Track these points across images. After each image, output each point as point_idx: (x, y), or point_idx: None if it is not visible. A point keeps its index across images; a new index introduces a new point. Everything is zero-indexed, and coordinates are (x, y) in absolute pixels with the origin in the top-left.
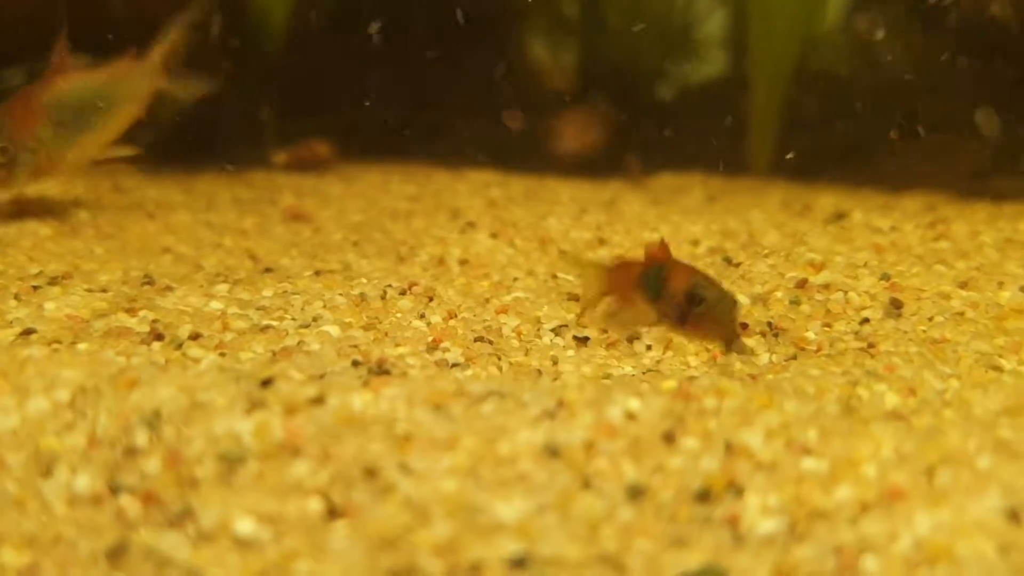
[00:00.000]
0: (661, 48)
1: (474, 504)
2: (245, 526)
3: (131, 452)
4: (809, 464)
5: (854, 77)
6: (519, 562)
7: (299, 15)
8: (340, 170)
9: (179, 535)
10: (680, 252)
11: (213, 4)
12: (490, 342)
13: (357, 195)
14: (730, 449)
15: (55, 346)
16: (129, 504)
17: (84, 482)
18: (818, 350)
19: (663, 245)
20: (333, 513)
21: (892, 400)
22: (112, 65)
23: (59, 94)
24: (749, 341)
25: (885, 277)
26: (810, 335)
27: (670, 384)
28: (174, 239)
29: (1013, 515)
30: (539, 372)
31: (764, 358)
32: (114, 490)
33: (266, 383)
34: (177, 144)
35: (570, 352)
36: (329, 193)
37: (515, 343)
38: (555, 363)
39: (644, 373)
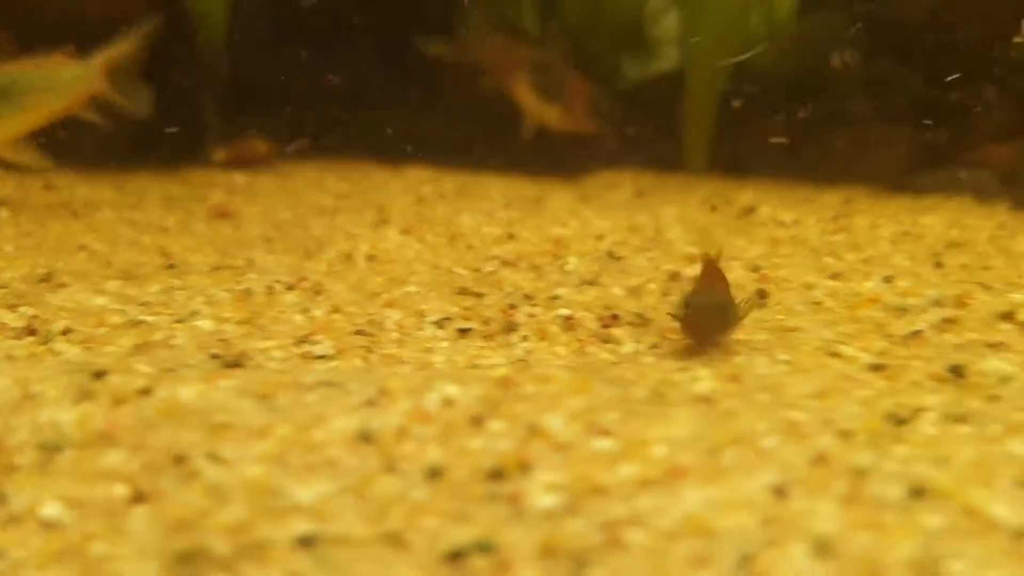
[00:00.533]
0: (615, 44)
1: (274, 488)
2: (51, 510)
3: None
4: (602, 444)
5: (794, 75)
6: (306, 540)
7: (239, 14)
8: (279, 167)
9: None
10: (584, 247)
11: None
12: (369, 335)
13: (289, 192)
14: (532, 431)
15: None
16: None
17: None
18: (682, 339)
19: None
20: (138, 498)
21: (707, 385)
22: (36, 59)
23: None
24: (618, 331)
25: (755, 268)
26: (676, 324)
27: (501, 372)
28: (93, 237)
29: (780, 492)
30: (402, 362)
31: (629, 347)
32: None
33: (99, 375)
34: (117, 142)
35: (445, 344)
36: (261, 190)
37: (394, 335)
38: (428, 353)
39: (511, 363)
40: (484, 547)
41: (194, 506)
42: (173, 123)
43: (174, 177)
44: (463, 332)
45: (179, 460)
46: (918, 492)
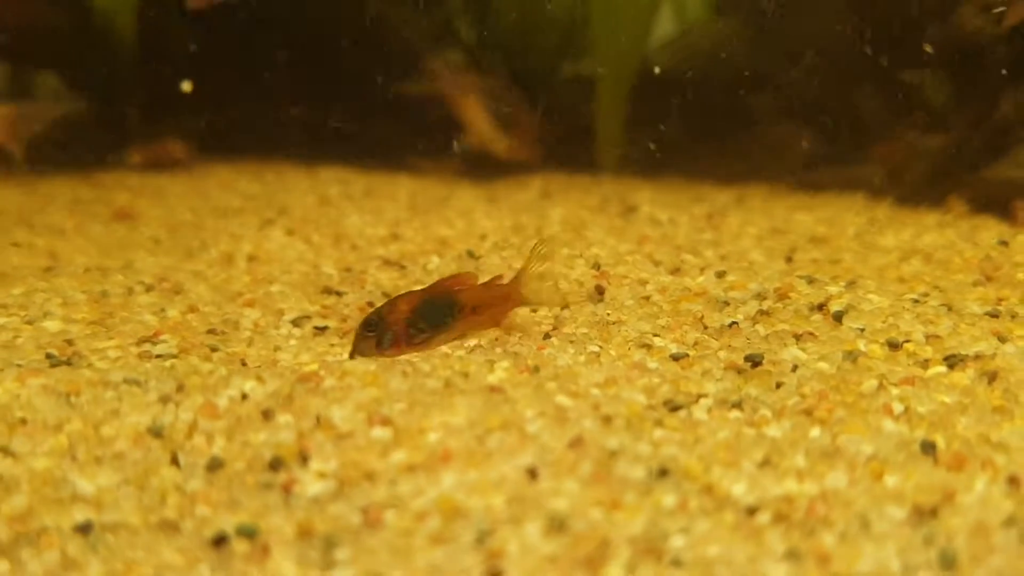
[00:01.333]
0: (546, 47)
1: (60, 479)
2: None
3: None
4: (379, 433)
5: (703, 76)
6: (84, 527)
7: (147, 15)
8: (195, 169)
9: None
10: (468, 244)
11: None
12: (221, 334)
13: (199, 194)
14: (317, 422)
15: None
16: None
17: None
18: (513, 333)
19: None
20: None
21: (500, 376)
22: None
23: None
24: None
25: (596, 266)
26: (516, 320)
27: (310, 368)
28: None
29: (533, 472)
30: (242, 362)
31: (472, 342)
32: None
33: None
34: (36, 147)
35: (293, 342)
36: (169, 192)
37: (246, 334)
38: (275, 351)
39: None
40: (248, 532)
41: None
42: (91, 126)
43: (86, 180)
44: (320, 330)
45: None
46: (662, 472)
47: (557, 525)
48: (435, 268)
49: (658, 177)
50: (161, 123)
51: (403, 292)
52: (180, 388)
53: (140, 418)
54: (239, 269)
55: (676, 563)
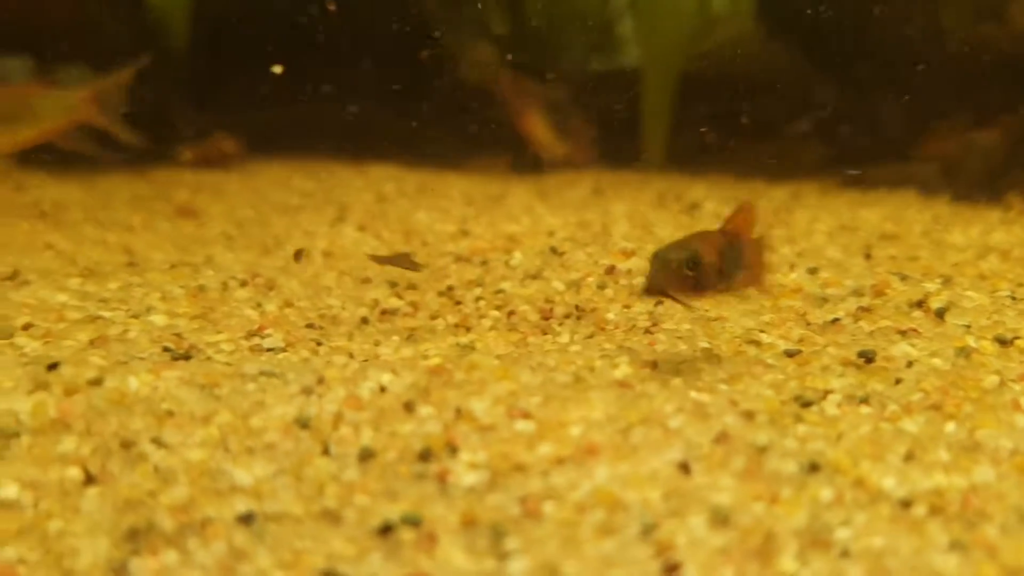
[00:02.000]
0: (581, 42)
1: (216, 470)
2: (10, 491)
3: None
4: (522, 426)
5: (746, 76)
6: (246, 518)
7: (202, 13)
8: (246, 166)
9: None
10: (536, 243)
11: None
12: (320, 328)
13: (254, 191)
14: (458, 414)
15: None
16: None
17: None
18: (616, 329)
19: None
20: (89, 480)
21: (624, 371)
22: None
23: None
24: (557, 325)
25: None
26: (610, 316)
27: (434, 361)
28: (59, 236)
29: (684, 467)
30: (350, 355)
31: (565, 337)
32: None
33: (52, 367)
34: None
35: (395, 337)
36: (226, 189)
37: (344, 328)
38: (376, 346)
39: (461, 347)
40: (413, 520)
41: (142, 487)
42: (141, 124)
43: (142, 177)
44: (411, 331)
45: (127, 445)
46: (813, 467)
47: (721, 519)
48: (518, 264)
49: (705, 173)
50: (212, 120)
51: (702, 231)
52: (321, 380)
53: (286, 409)
54: (317, 265)
55: (845, 554)
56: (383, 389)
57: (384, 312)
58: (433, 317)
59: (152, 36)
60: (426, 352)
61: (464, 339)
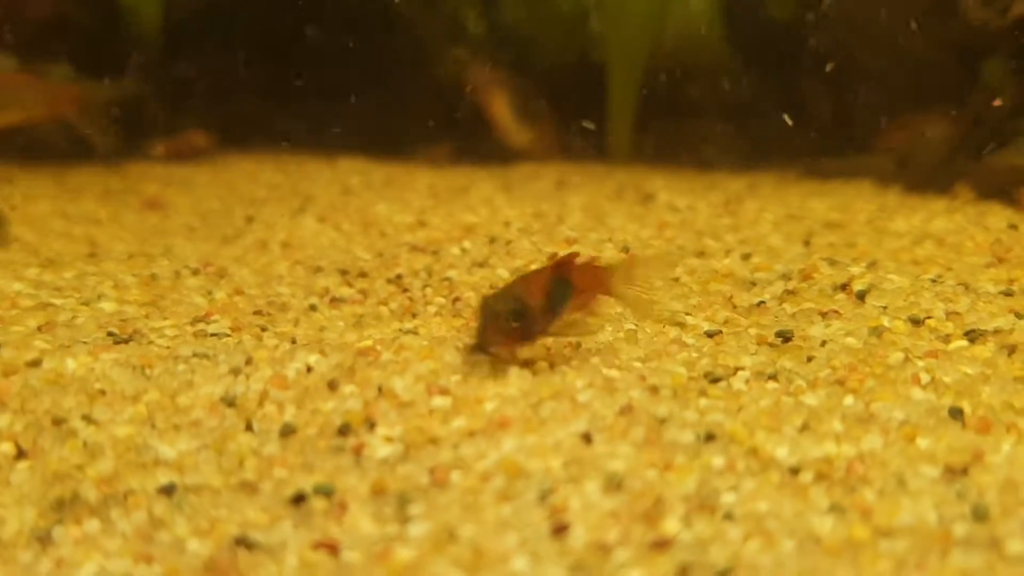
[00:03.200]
0: (556, 36)
1: (142, 445)
2: None
3: None
4: (439, 402)
5: (713, 67)
6: (167, 489)
7: (173, 7)
8: (217, 159)
9: None
10: (492, 231)
11: None
12: (268, 314)
13: (223, 184)
14: (380, 392)
15: None
16: None
17: None
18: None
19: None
20: (20, 455)
21: (540, 351)
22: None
23: None
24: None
25: (625, 249)
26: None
27: (365, 343)
28: (25, 228)
29: (587, 437)
30: (292, 340)
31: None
32: None
33: None
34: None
35: (340, 323)
36: (195, 182)
37: (292, 315)
38: (321, 331)
39: (404, 332)
40: (325, 491)
41: (70, 461)
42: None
43: (114, 171)
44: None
45: (58, 422)
46: (710, 437)
47: (615, 484)
48: (467, 250)
49: (669, 165)
50: (183, 115)
51: (527, 274)
52: (249, 361)
53: (214, 388)
54: (274, 255)
55: (729, 517)
56: (309, 369)
57: (333, 300)
58: (381, 303)
59: (124, 31)
60: (369, 336)
61: (409, 324)
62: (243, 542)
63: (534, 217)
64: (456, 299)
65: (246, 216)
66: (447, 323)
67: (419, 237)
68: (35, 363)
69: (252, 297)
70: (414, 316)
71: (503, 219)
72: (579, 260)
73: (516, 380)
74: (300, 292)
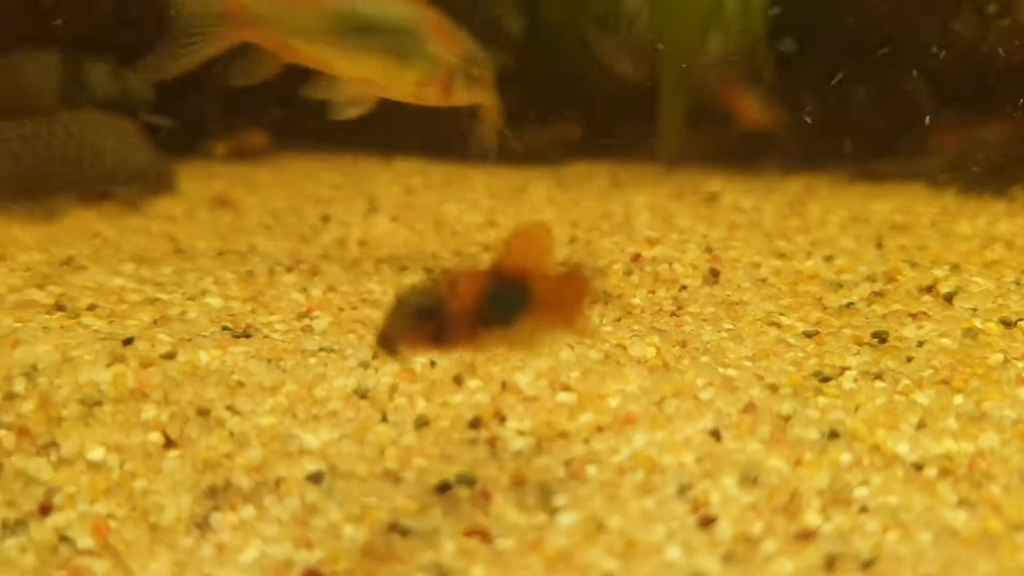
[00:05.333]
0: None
1: (286, 435)
2: (97, 454)
3: (10, 396)
4: (563, 397)
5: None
6: (315, 477)
7: None
8: (275, 159)
9: (43, 460)
10: (568, 232)
11: None
12: (362, 310)
13: (285, 183)
14: (504, 387)
15: None
16: (6, 437)
17: None
18: (642, 312)
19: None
20: (169, 444)
21: (652, 351)
22: None
23: None
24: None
25: (708, 250)
26: (636, 300)
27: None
28: (104, 225)
29: (715, 434)
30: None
31: (594, 320)
32: None
33: (127, 342)
34: None
35: None
36: (259, 181)
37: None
38: None
39: None
40: (467, 480)
41: (219, 450)
42: (173, 117)
43: (179, 168)
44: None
45: (203, 412)
46: (833, 434)
47: (751, 479)
48: None
49: (720, 167)
50: (240, 115)
51: (464, 270)
52: (376, 355)
53: (346, 381)
54: (354, 253)
55: (864, 510)
56: (433, 364)
57: None
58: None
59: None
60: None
61: None
62: (396, 528)
63: (602, 217)
64: None
65: (320, 215)
66: None
67: (490, 236)
68: (170, 355)
69: (346, 294)
70: None
71: (571, 218)
72: (549, 257)
73: (635, 377)
74: (390, 289)
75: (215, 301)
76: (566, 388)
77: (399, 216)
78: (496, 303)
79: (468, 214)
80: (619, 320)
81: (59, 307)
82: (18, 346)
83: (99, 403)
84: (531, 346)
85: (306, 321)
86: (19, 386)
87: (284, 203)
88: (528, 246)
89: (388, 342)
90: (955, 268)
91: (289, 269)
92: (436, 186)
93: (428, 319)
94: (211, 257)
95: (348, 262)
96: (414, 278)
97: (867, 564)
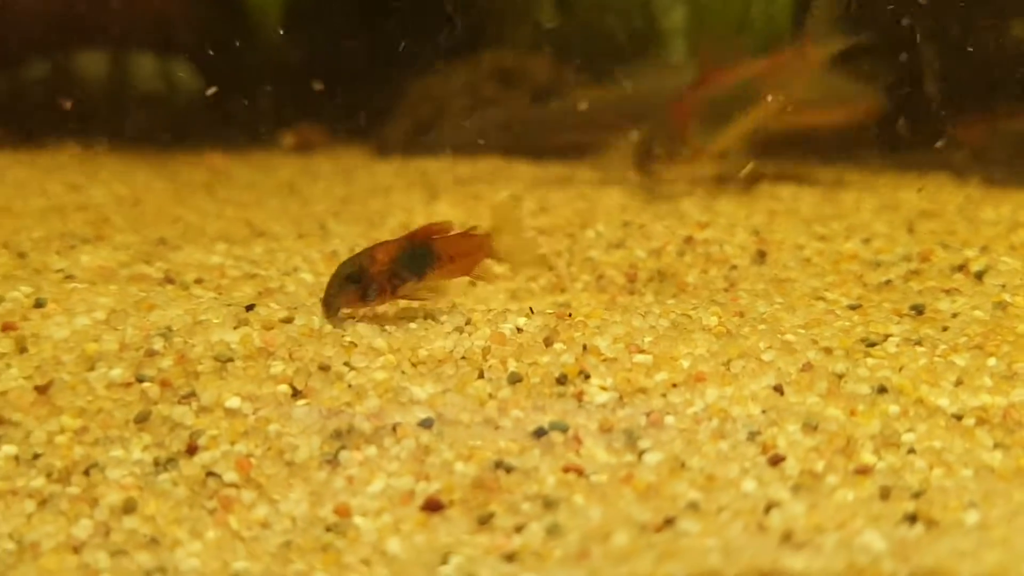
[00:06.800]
0: (626, 38)
1: (397, 387)
2: (233, 402)
3: (151, 354)
4: (640, 359)
5: None
6: (426, 423)
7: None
8: (330, 150)
9: (186, 408)
10: (622, 217)
11: None
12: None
13: (343, 172)
14: (586, 349)
15: (91, 284)
16: (150, 388)
17: (118, 373)
18: (695, 289)
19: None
20: (296, 394)
21: (715, 320)
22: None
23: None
24: (642, 286)
25: (755, 232)
26: (689, 279)
27: (552, 310)
28: (184, 210)
29: (778, 389)
30: (473, 309)
31: (649, 297)
32: (139, 379)
33: (249, 308)
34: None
35: (501, 295)
36: (319, 171)
37: (460, 289)
38: (491, 302)
39: (559, 305)
40: (560, 427)
41: (341, 399)
42: (239, 107)
43: (243, 159)
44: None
45: (324, 368)
46: (882, 389)
47: (812, 426)
48: (601, 233)
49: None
50: (300, 109)
51: (379, 242)
52: (468, 322)
53: (444, 343)
54: None
55: (912, 451)
56: (519, 329)
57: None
58: (530, 280)
59: (247, 27)
60: (532, 307)
61: (561, 299)
62: (501, 465)
63: (646, 203)
64: (600, 276)
65: (384, 202)
66: (595, 298)
67: (543, 221)
68: (288, 320)
69: None
70: (563, 291)
71: (616, 204)
72: (452, 231)
73: (703, 342)
74: None
75: (308, 276)
76: (641, 351)
77: (458, 203)
78: (409, 262)
79: (523, 202)
80: (675, 296)
81: (169, 280)
82: (153, 310)
83: (231, 359)
84: (441, 290)
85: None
86: (158, 344)
87: (345, 191)
88: (433, 224)
89: (328, 306)
90: (984, 250)
91: None
92: (484, 177)
93: (355, 283)
94: (293, 239)
95: None
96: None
97: (917, 495)
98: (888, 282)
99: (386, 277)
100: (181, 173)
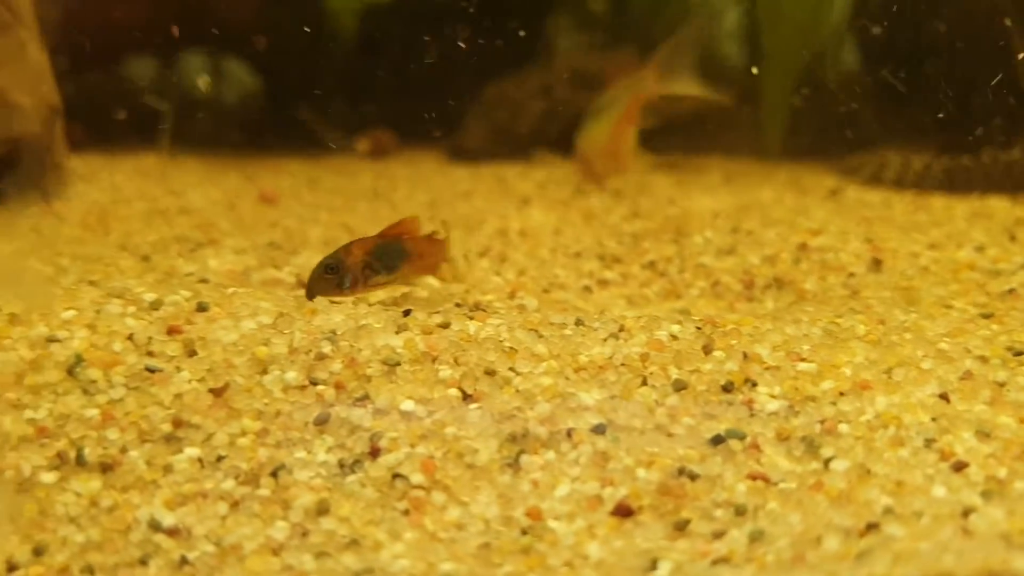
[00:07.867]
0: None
1: (564, 393)
2: (407, 405)
3: (320, 357)
4: (803, 367)
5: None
6: (599, 428)
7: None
8: (403, 156)
9: (363, 410)
10: (702, 223)
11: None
12: (557, 291)
13: (420, 178)
14: (747, 357)
15: (232, 290)
16: (325, 391)
17: (292, 376)
18: (814, 296)
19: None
20: (467, 398)
21: (863, 328)
22: None
23: None
24: (759, 293)
25: (868, 240)
26: (808, 286)
27: (699, 317)
28: (278, 215)
29: (944, 397)
30: (601, 312)
31: (769, 304)
32: (313, 382)
33: (406, 313)
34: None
35: (621, 301)
36: (397, 176)
37: (573, 293)
38: (610, 308)
39: (678, 312)
40: (737, 435)
41: (511, 404)
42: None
43: (319, 165)
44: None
45: (490, 372)
46: None
47: (985, 433)
48: (709, 239)
49: (821, 162)
50: (372, 115)
51: (357, 238)
52: (622, 328)
53: (602, 349)
54: (515, 242)
55: None
56: (674, 337)
57: (600, 281)
58: (643, 286)
59: (325, 35)
60: (653, 314)
61: (677, 305)
62: (684, 472)
63: (739, 209)
64: (716, 283)
65: (472, 208)
66: (712, 304)
67: (636, 227)
68: (444, 325)
69: (536, 278)
70: (678, 298)
71: (709, 210)
72: (419, 232)
73: (861, 351)
74: (572, 275)
75: (433, 281)
76: (803, 359)
77: (550, 208)
78: (383, 256)
79: (613, 208)
80: (795, 303)
81: (301, 284)
82: (316, 315)
83: (398, 363)
84: (411, 283)
85: (517, 300)
86: (326, 348)
87: (428, 196)
88: (403, 224)
89: (309, 292)
90: None
91: (481, 255)
92: (560, 181)
93: (333, 274)
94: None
95: (524, 250)
96: (590, 264)
97: None
98: (1012, 291)
99: (360, 269)
100: (263, 178)
